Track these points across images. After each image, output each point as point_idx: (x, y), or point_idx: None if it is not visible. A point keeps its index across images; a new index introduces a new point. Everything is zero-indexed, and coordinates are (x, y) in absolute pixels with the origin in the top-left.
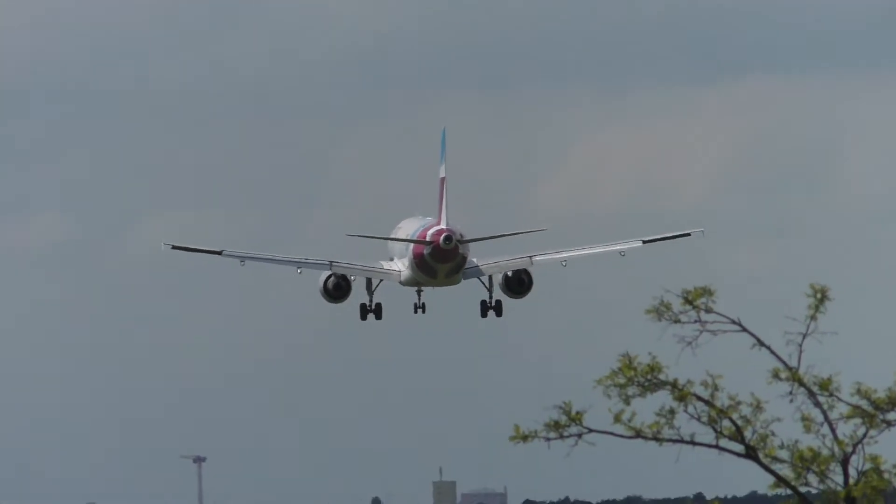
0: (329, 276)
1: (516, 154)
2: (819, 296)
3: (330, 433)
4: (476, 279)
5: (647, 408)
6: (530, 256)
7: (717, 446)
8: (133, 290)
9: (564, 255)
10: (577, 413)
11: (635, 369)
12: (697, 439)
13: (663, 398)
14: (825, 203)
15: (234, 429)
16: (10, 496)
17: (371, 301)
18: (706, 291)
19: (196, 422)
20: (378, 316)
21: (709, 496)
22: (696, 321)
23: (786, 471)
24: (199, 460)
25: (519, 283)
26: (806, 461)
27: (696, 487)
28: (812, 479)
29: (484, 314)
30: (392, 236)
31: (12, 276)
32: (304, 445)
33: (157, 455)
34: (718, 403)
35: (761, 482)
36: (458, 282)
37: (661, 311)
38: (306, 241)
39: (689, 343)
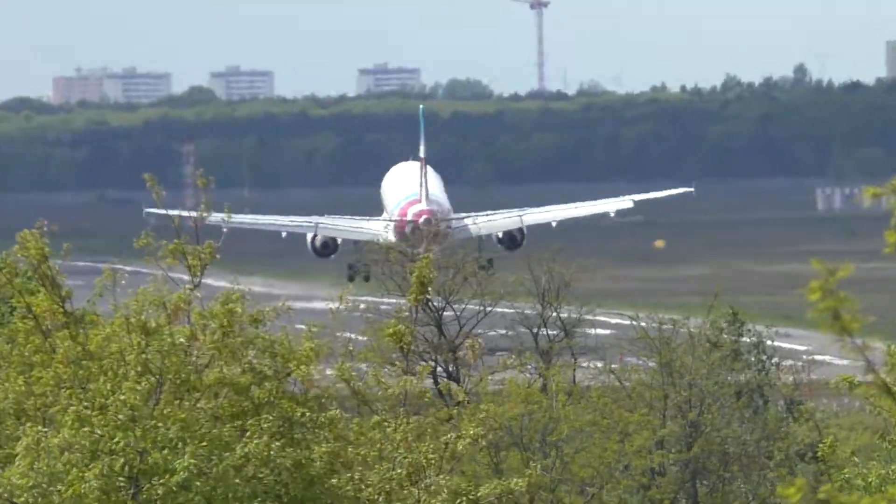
0: (315, 236)
1: None
2: None
3: None
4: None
5: None
6: (520, 216)
7: None
8: None
9: (552, 215)
10: None
11: None
12: None
13: None
14: None
15: None
16: None
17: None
18: None
19: None
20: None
21: None
22: None
23: None
24: (538, 5)
25: (512, 241)
26: None
27: None
28: None
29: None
30: (385, 182)
31: None
32: None
33: None
34: None
35: None
36: (442, 244)
37: None
38: None
39: None
